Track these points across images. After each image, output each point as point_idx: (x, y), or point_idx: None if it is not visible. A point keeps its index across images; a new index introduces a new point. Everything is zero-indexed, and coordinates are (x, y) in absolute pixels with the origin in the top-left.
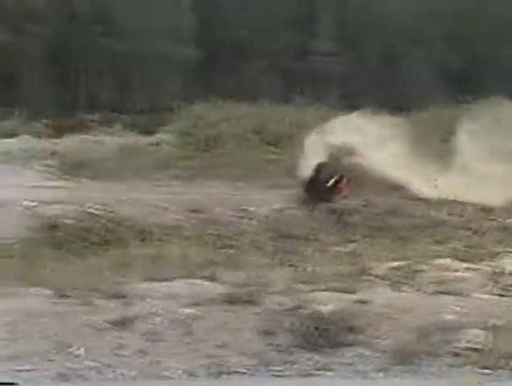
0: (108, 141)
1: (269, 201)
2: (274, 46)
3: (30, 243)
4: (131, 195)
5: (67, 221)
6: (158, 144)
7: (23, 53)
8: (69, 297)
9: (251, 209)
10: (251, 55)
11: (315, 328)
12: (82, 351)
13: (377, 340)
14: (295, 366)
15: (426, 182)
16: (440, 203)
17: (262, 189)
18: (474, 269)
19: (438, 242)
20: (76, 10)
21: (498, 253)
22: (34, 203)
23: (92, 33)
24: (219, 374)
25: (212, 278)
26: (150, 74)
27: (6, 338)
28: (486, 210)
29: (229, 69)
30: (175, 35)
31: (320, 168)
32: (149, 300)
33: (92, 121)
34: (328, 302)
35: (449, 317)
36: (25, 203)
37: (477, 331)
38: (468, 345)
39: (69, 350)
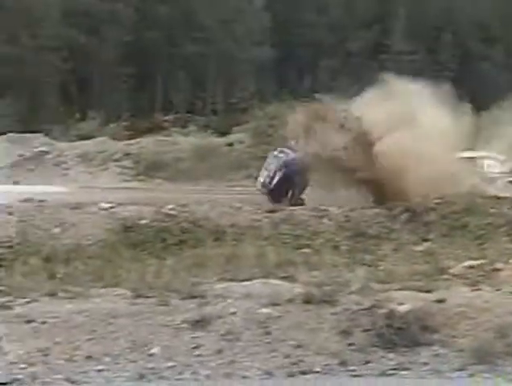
0: (182, 142)
1: (345, 200)
2: (349, 45)
3: (107, 244)
4: (206, 195)
5: (143, 222)
6: (232, 144)
7: (100, 56)
8: (146, 297)
9: (327, 208)
10: (326, 54)
11: (392, 327)
12: (159, 350)
13: (454, 339)
14: (372, 365)
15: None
16: None
17: (338, 188)
18: None
19: None
20: (151, 13)
21: None
22: (110, 205)
23: (167, 36)
24: (296, 373)
25: (289, 278)
26: (225, 75)
27: (84, 339)
28: None
29: (303, 69)
30: (250, 36)
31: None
32: (226, 300)
33: (167, 122)
34: (404, 301)
35: None
36: (101, 204)
37: None
38: None
39: (146, 349)
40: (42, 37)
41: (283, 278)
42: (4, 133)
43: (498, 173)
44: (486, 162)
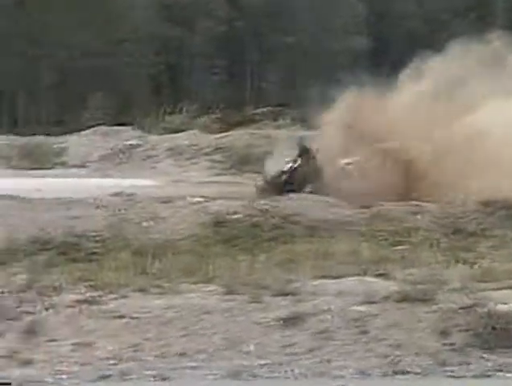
0: (274, 135)
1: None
2: (445, 34)
3: (198, 239)
4: None
5: (234, 217)
6: None
7: (191, 48)
8: (238, 293)
9: (423, 204)
10: (421, 44)
11: (492, 327)
12: (252, 348)
13: None
14: (471, 366)
15: None
16: None
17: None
18: None
19: None
20: (243, 4)
21: None
22: (201, 199)
23: (259, 27)
24: (392, 374)
25: (384, 275)
26: (318, 66)
27: (175, 335)
28: None
29: (399, 59)
30: (344, 27)
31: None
32: (320, 297)
33: (258, 114)
34: (505, 301)
35: None
36: (192, 198)
37: None
38: None
39: (239, 347)
40: (133, 29)
41: (378, 275)
42: (95, 126)
43: None
44: None
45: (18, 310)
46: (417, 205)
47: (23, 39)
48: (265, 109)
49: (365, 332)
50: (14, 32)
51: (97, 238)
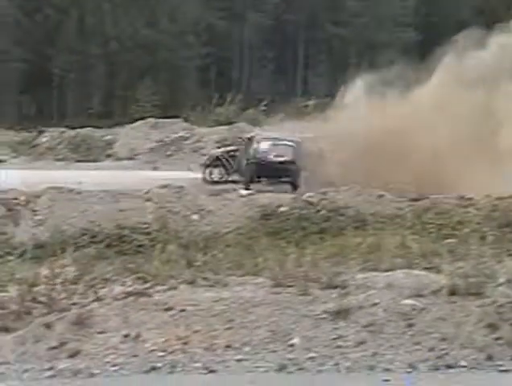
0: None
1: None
2: (495, 26)
3: (246, 231)
4: None
5: (282, 209)
6: None
7: (240, 40)
8: (286, 286)
9: (472, 197)
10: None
11: None
12: (299, 341)
13: None
14: None
15: None
16: None
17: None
18: None
19: None
20: None
21: None
22: (249, 192)
23: (308, 19)
24: (441, 367)
25: (433, 269)
26: (367, 58)
27: (223, 328)
28: None
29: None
30: (394, 19)
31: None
32: (368, 290)
33: (307, 106)
34: None
35: None
36: (240, 191)
37: None
38: None
39: (286, 340)
40: (182, 21)
41: (427, 269)
42: (144, 118)
43: None
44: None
45: (68, 301)
46: (467, 198)
47: (73, 33)
48: (313, 101)
49: (413, 325)
50: (65, 25)
51: (146, 230)
